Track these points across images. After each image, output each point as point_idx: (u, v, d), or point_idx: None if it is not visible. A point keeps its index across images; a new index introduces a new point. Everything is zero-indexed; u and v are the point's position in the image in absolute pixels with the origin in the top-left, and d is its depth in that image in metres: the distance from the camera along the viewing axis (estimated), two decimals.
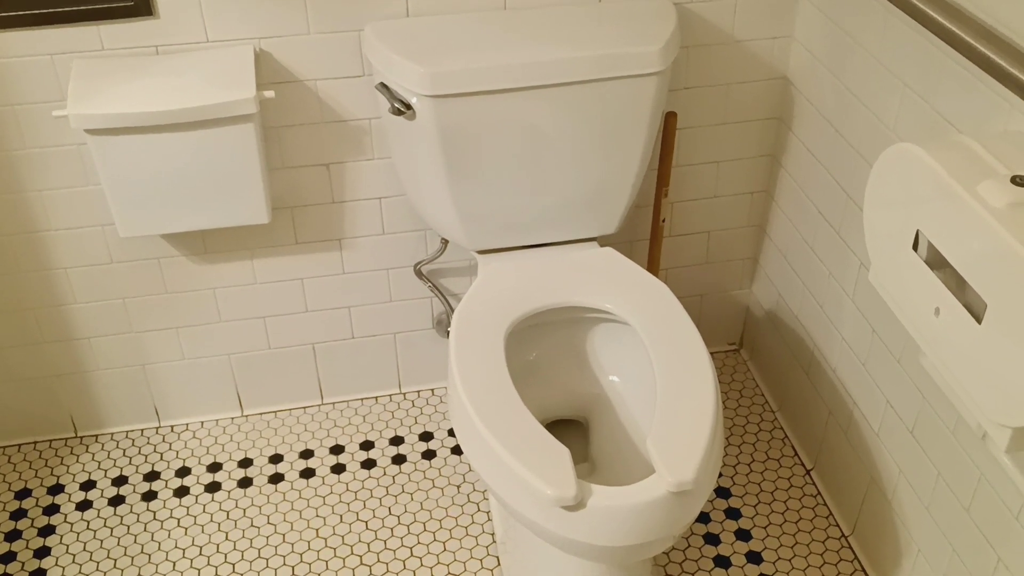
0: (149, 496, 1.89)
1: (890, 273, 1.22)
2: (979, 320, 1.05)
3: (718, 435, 1.35)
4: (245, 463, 1.95)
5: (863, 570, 1.73)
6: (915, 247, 1.16)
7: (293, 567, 1.76)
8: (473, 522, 1.83)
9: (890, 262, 1.21)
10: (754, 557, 1.76)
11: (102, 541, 1.81)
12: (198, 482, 1.92)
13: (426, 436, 2.01)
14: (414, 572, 1.75)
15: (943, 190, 1.08)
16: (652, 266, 1.94)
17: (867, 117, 1.55)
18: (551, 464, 1.27)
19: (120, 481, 1.92)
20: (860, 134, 1.58)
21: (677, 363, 1.43)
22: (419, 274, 1.91)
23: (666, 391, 1.38)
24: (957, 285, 1.10)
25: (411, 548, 1.79)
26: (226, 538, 1.81)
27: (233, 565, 1.76)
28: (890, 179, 1.19)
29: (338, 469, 1.94)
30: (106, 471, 1.94)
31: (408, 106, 1.52)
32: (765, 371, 2.10)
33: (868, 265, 1.61)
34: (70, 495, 1.89)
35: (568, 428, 1.70)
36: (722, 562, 1.75)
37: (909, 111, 1.43)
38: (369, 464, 1.95)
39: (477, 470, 1.38)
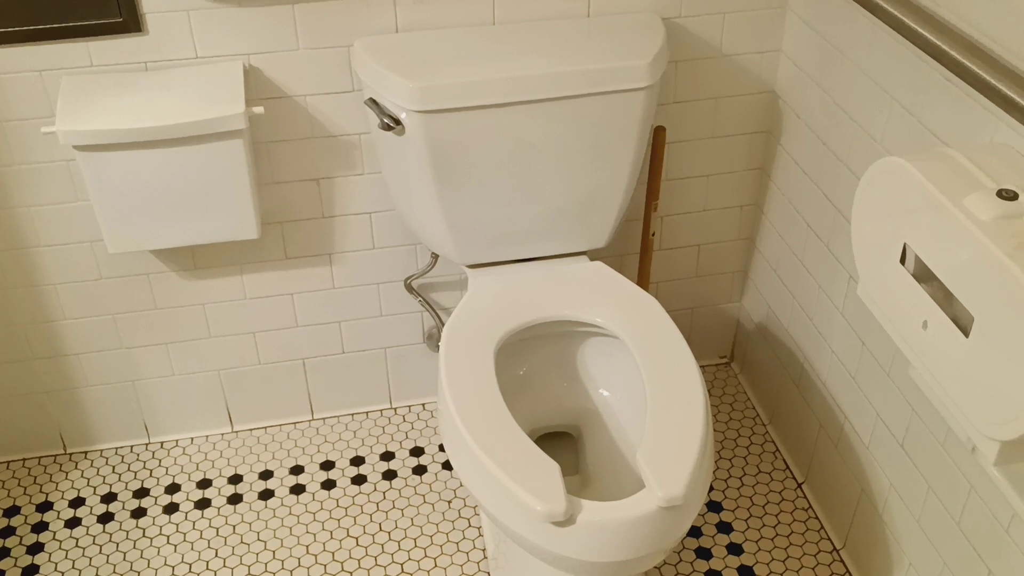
0: (138, 513, 1.88)
1: (878, 286, 1.22)
2: (966, 333, 1.05)
3: (708, 449, 1.35)
4: (235, 479, 1.95)
5: None
6: (903, 260, 1.16)
7: None
8: (464, 538, 1.82)
9: (878, 275, 1.22)
10: (746, 571, 1.76)
11: (91, 559, 1.80)
12: (188, 499, 1.91)
13: (417, 451, 2.00)
14: None
15: (930, 203, 1.09)
16: (642, 280, 1.95)
17: (855, 130, 1.56)
18: (541, 479, 1.27)
19: (109, 498, 1.91)
20: (848, 147, 1.59)
21: (667, 377, 1.43)
22: (409, 289, 1.91)
23: (656, 405, 1.38)
24: (944, 298, 1.10)
25: (402, 564, 1.78)
26: (216, 555, 1.80)
27: None
28: (877, 192, 1.19)
29: (328, 485, 1.93)
30: (95, 488, 1.93)
31: (397, 121, 1.52)
32: (756, 384, 2.10)
33: (857, 278, 1.61)
34: (59, 512, 1.88)
35: (559, 440, 1.70)
36: None
37: (896, 124, 1.43)
38: (359, 480, 1.94)
39: (467, 485, 1.37)
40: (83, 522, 1.86)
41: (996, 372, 1.01)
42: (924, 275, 1.13)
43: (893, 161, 1.15)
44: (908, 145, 1.41)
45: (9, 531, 1.85)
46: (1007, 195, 1.04)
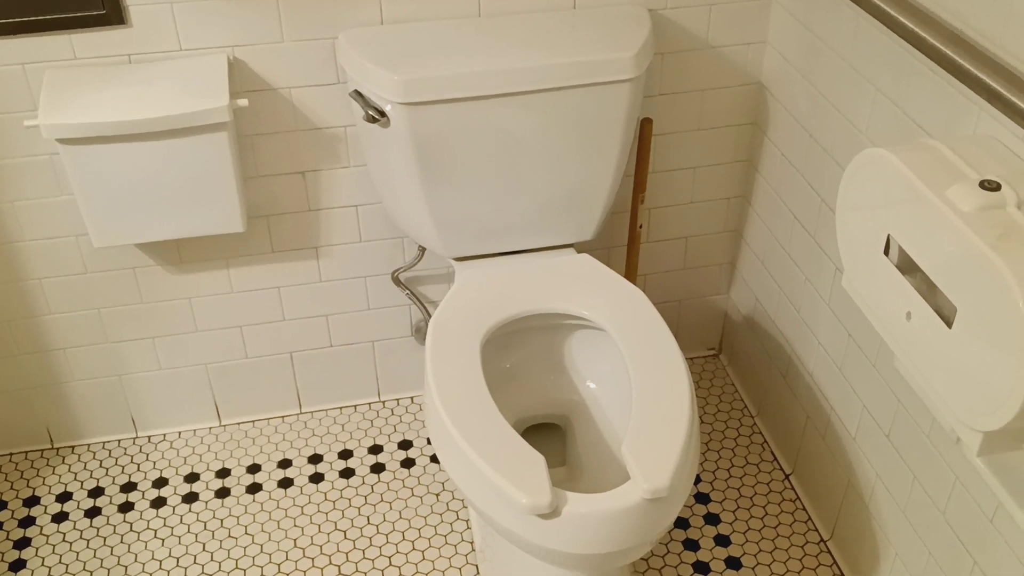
0: (126, 507, 1.88)
1: (862, 278, 1.22)
2: (949, 324, 1.05)
3: (694, 441, 1.35)
4: (223, 473, 1.94)
5: (841, 574, 1.73)
6: (887, 252, 1.16)
7: None
8: (452, 531, 1.82)
9: (862, 267, 1.22)
10: (733, 563, 1.76)
11: (78, 553, 1.79)
12: (175, 493, 1.90)
13: (405, 444, 2.00)
14: None
15: (913, 194, 1.09)
16: (630, 272, 1.94)
17: (840, 122, 1.56)
18: (526, 472, 1.27)
19: (97, 492, 1.91)
20: (833, 139, 1.59)
21: (653, 369, 1.43)
22: (397, 282, 1.90)
23: (641, 397, 1.38)
24: (928, 289, 1.10)
25: (390, 557, 1.78)
26: (203, 549, 1.80)
27: None
28: (861, 184, 1.19)
29: (316, 478, 1.93)
30: (82, 482, 1.93)
31: (382, 113, 1.52)
32: (744, 376, 2.10)
33: (843, 269, 1.61)
34: (46, 507, 1.88)
35: (547, 432, 1.70)
36: (701, 568, 1.75)
37: (881, 115, 1.43)
38: (348, 473, 1.94)
39: (453, 478, 1.37)
40: (70, 516, 1.86)
41: (978, 362, 1.01)
42: (908, 266, 1.13)
43: (876, 152, 1.15)
44: (892, 136, 1.41)
45: None
46: (989, 186, 1.04)
